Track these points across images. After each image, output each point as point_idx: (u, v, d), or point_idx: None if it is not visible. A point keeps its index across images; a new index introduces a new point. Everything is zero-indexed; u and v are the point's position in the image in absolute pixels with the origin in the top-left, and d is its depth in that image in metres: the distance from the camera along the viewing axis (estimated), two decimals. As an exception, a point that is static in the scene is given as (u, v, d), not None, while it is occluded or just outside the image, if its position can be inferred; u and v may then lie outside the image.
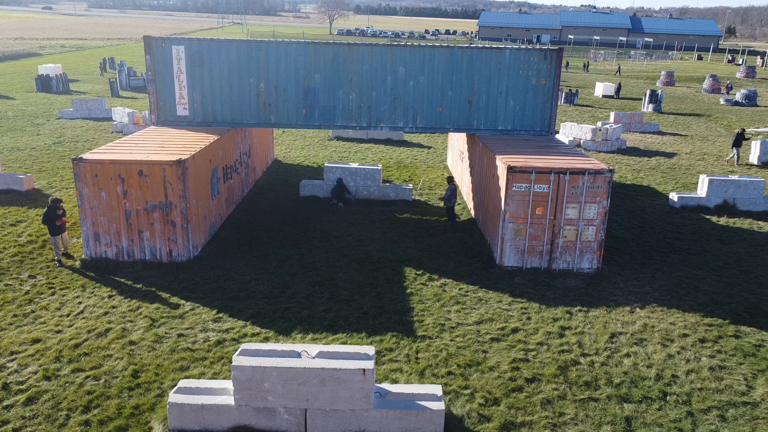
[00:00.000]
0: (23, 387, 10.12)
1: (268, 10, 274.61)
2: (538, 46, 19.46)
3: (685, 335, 12.43)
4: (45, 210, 15.03)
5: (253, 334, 12.02)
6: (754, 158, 28.61)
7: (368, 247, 16.75)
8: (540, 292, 14.33)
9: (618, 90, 52.46)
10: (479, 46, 19.20)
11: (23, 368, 10.65)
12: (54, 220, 14.93)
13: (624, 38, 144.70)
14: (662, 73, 65.88)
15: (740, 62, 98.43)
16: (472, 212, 19.70)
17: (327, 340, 11.88)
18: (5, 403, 9.70)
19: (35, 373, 10.52)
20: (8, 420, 9.32)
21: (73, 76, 54.82)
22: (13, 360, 10.89)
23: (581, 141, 31.17)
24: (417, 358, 11.33)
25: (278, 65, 18.47)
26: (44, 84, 45.68)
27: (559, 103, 38.76)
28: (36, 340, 11.55)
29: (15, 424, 9.23)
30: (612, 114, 37.34)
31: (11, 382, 10.22)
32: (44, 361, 10.88)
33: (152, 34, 18.74)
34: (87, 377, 10.43)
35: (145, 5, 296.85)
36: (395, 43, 18.81)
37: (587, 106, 47.50)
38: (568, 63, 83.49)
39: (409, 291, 14.15)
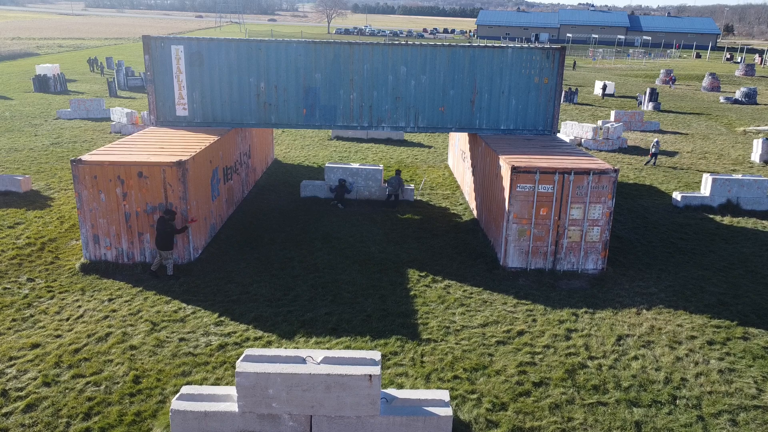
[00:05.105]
0: (22, 393, 9.94)
1: (266, 9, 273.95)
2: (538, 45, 19.29)
3: (693, 337, 12.28)
4: (167, 219, 13.99)
5: (256, 338, 11.85)
6: (756, 157, 28.50)
7: (370, 249, 16.59)
8: (545, 294, 14.18)
9: (604, 89, 52.21)
10: (481, 45, 19.04)
11: (22, 374, 10.47)
12: (171, 231, 14.05)
13: (622, 37, 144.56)
14: (661, 71, 65.74)
15: (739, 60, 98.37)
16: (475, 212, 19.54)
17: (330, 344, 11.72)
18: (4, 410, 9.53)
19: (34, 379, 10.34)
20: (7, 428, 9.15)
21: (70, 76, 54.57)
22: (12, 365, 10.71)
23: (582, 140, 31.05)
24: (422, 362, 11.17)
25: (278, 65, 18.29)
26: (42, 84, 45.44)
27: (559, 101, 38.52)
28: (35, 345, 11.37)
29: (14, 432, 9.07)
30: (612, 113, 37.23)
31: (10, 389, 10.04)
32: (44, 366, 10.70)
33: (150, 34, 18.52)
34: (87, 383, 10.26)
35: (142, 4, 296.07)
36: (394, 42, 18.63)
37: (587, 104, 47.39)
38: (575, 63, 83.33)
39: (412, 293, 13.99)
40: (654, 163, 27.39)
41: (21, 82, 49.91)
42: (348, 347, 11.58)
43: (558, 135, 20.28)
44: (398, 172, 20.73)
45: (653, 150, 27.33)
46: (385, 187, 20.71)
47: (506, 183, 15.05)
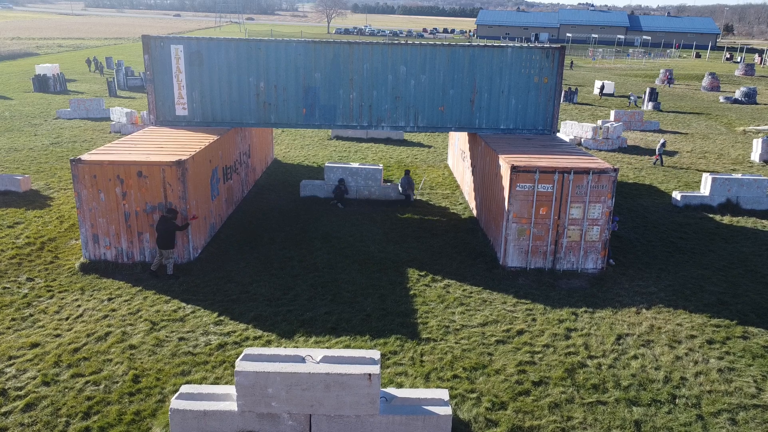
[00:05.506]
0: (22, 393, 9.94)
1: (266, 9, 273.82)
2: (538, 45, 19.28)
3: (693, 336, 12.28)
4: (169, 218, 14.01)
5: (255, 338, 11.85)
6: (756, 156, 28.50)
7: (370, 248, 16.58)
8: (544, 293, 14.18)
9: (602, 89, 52.20)
10: (481, 44, 19.04)
11: (22, 373, 10.47)
12: (173, 229, 14.04)
13: (622, 36, 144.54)
14: (661, 71, 65.69)
15: (738, 60, 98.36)
16: (474, 212, 19.54)
17: (330, 343, 11.72)
18: (3, 409, 9.52)
19: (34, 378, 10.34)
20: (7, 427, 9.14)
21: (70, 75, 54.55)
22: (11, 365, 10.71)
23: (582, 140, 31.05)
24: (422, 361, 11.17)
25: (278, 64, 18.28)
26: (41, 84, 45.42)
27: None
28: (34, 345, 11.37)
29: (13, 431, 9.05)
30: (612, 112, 37.23)
31: (9, 388, 10.04)
32: (43, 366, 10.70)
33: (150, 34, 18.54)
34: (87, 382, 10.26)
35: (142, 4, 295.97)
36: (394, 41, 18.63)
37: (587, 104, 47.38)
38: (572, 63, 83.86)
39: (412, 292, 13.99)
40: (658, 162, 27.35)
41: (21, 82, 49.90)
42: (347, 346, 11.59)
43: (558, 134, 20.28)
44: (407, 172, 20.97)
45: (659, 150, 27.29)
46: (392, 186, 20.92)
47: (506, 182, 15.04)
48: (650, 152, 29.92)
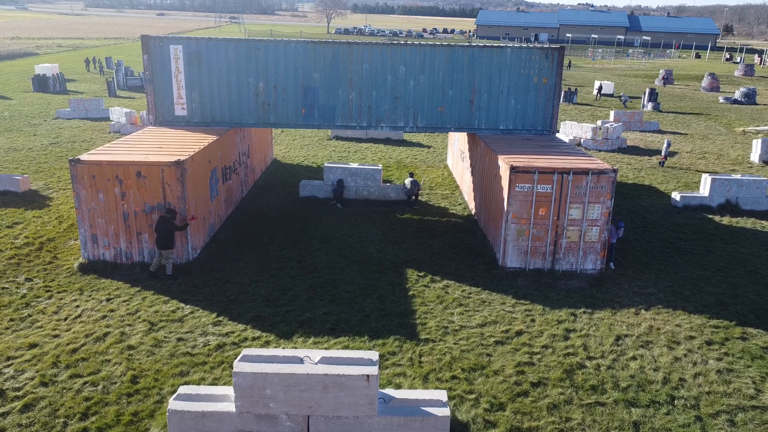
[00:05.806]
0: (20, 393, 9.93)
1: (266, 9, 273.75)
2: (537, 45, 19.27)
3: (692, 337, 12.28)
4: (168, 218, 13.98)
5: (254, 338, 11.84)
6: (755, 157, 28.50)
7: (369, 249, 16.58)
8: (543, 294, 14.17)
9: (600, 89, 52.10)
10: (480, 44, 19.03)
11: (20, 374, 10.46)
12: (173, 229, 14.03)
13: (622, 37, 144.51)
14: (661, 71, 65.64)
15: (738, 60, 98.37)
16: (473, 212, 19.53)
17: (329, 344, 11.71)
18: (1, 410, 9.51)
19: (32, 379, 10.33)
20: (4, 428, 9.13)
21: (69, 75, 54.52)
22: (9, 365, 10.70)
23: (581, 140, 31.05)
24: (420, 362, 11.16)
25: (277, 64, 18.27)
26: (41, 84, 45.40)
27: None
28: (33, 345, 11.36)
29: (11, 432, 9.05)
30: (612, 113, 37.23)
31: (7, 389, 10.03)
32: (41, 366, 10.68)
33: (149, 33, 18.54)
34: (85, 383, 10.25)
35: (142, 4, 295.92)
36: (394, 42, 18.63)
37: (586, 104, 47.38)
38: (570, 63, 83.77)
39: (411, 293, 13.98)
40: (662, 163, 27.32)
41: (20, 81, 49.87)
42: (346, 347, 11.58)
43: (557, 135, 20.28)
44: (411, 174, 21.15)
45: (665, 152, 27.23)
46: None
47: (505, 183, 15.04)
48: (650, 153, 29.93)
